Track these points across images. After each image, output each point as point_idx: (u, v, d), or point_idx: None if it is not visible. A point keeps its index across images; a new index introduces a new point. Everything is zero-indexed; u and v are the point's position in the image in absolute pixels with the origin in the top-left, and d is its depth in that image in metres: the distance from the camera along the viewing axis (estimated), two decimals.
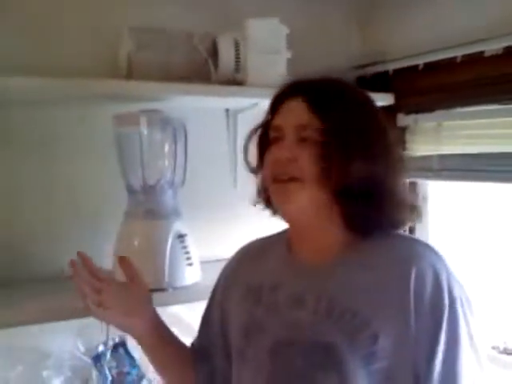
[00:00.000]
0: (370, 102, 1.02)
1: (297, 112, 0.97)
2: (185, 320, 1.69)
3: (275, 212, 1.08)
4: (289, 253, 1.05)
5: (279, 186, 0.97)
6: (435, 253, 0.95)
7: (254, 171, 1.09)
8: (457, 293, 0.91)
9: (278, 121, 1.01)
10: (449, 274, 0.92)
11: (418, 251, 0.95)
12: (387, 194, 0.94)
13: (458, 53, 1.53)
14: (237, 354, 1.06)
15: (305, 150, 0.94)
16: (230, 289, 1.14)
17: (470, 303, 0.92)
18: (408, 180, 1.01)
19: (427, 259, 0.92)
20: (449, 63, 1.56)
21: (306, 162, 0.94)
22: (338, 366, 0.90)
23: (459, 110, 1.57)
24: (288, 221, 1.05)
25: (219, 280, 1.20)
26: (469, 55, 1.51)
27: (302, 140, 0.95)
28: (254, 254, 1.16)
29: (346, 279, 0.95)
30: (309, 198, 0.95)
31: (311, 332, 0.94)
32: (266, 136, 1.03)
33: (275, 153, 0.98)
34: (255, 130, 1.07)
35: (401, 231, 1.02)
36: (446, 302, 0.89)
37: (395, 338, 0.89)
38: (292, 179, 0.95)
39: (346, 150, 0.92)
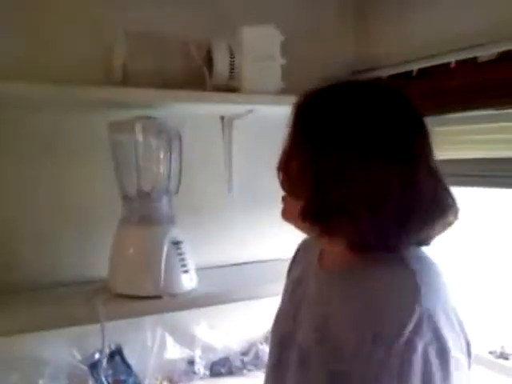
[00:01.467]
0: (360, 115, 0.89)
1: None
2: (181, 327, 1.70)
3: None
4: (318, 254, 1.05)
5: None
6: (414, 289, 0.82)
7: None
8: (419, 340, 0.79)
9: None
10: (421, 321, 0.79)
11: (397, 285, 0.85)
12: (391, 206, 0.86)
13: (452, 58, 1.53)
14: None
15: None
16: (286, 280, 1.16)
17: (440, 353, 0.80)
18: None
19: (401, 299, 0.82)
20: (442, 69, 1.56)
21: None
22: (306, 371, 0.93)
23: (453, 115, 1.58)
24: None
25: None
26: (462, 61, 1.51)
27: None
28: (306, 246, 1.16)
29: (334, 292, 0.94)
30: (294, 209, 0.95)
31: (304, 333, 0.96)
32: None
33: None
34: None
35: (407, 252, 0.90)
36: (402, 348, 0.79)
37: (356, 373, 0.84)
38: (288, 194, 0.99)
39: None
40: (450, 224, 0.91)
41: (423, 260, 0.91)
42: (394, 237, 0.87)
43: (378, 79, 1.17)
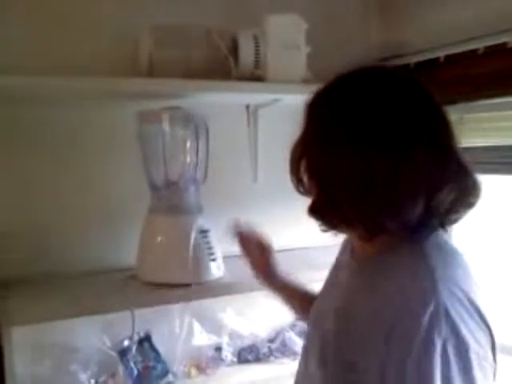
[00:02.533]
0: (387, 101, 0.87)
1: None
2: (208, 314, 1.71)
3: None
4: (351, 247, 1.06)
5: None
6: (432, 285, 0.81)
7: None
8: (437, 335, 0.78)
9: None
10: (437, 314, 0.79)
11: (413, 279, 0.84)
12: (407, 194, 0.84)
13: (480, 44, 1.51)
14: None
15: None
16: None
17: (458, 349, 0.79)
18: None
19: (417, 292, 0.82)
20: (470, 55, 1.54)
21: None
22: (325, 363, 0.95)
23: (482, 102, 1.55)
24: None
25: None
26: (491, 47, 1.49)
27: None
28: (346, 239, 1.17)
29: (354, 284, 0.96)
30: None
31: (328, 317, 0.98)
32: None
33: None
34: None
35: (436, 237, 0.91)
36: (420, 342, 0.78)
37: (369, 368, 0.85)
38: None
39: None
40: (470, 206, 0.89)
41: (443, 248, 0.90)
42: (411, 222, 0.86)
43: (385, 67, 1.15)
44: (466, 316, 0.80)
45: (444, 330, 0.78)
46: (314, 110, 0.93)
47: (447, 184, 0.86)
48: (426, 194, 0.85)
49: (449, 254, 0.89)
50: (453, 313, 0.79)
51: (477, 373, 0.79)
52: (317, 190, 0.92)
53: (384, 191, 0.84)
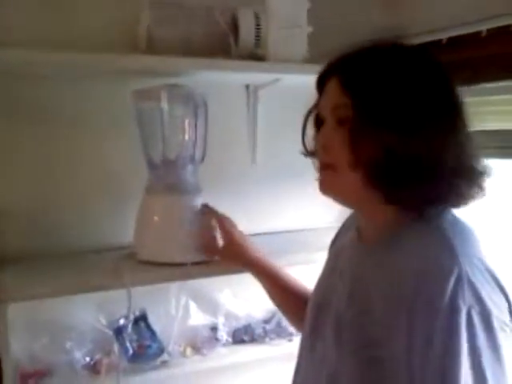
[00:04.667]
0: (419, 71, 0.92)
1: (331, 93, 0.95)
2: (204, 294, 1.72)
3: None
4: (356, 228, 1.06)
5: (319, 174, 0.98)
6: (453, 254, 0.83)
7: (310, 153, 1.05)
8: (462, 302, 0.79)
9: (320, 101, 0.99)
10: (460, 281, 0.80)
11: (433, 249, 0.86)
12: (432, 171, 0.87)
13: (483, 27, 1.49)
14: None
15: (339, 132, 0.91)
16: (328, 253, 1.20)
17: (482, 315, 0.80)
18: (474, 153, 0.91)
19: (438, 260, 0.83)
20: (473, 38, 1.52)
21: (337, 147, 0.91)
22: (340, 339, 0.95)
23: (484, 85, 1.54)
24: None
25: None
26: (494, 29, 1.47)
27: (339, 122, 0.93)
28: (347, 222, 1.19)
29: (370, 265, 0.96)
30: (343, 183, 0.93)
31: (338, 300, 0.99)
32: (318, 118, 1.02)
33: (315, 140, 0.99)
34: (309, 111, 1.05)
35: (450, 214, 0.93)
36: (446, 309, 0.79)
37: (393, 336, 0.85)
38: (326, 166, 0.94)
39: (372, 124, 0.87)
40: (480, 188, 0.91)
41: (457, 224, 0.92)
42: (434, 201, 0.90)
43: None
44: (485, 283, 0.83)
45: (468, 296, 0.80)
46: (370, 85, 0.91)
47: (465, 164, 0.90)
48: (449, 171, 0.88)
49: (463, 229, 0.91)
50: (474, 280, 0.81)
51: (501, 340, 0.81)
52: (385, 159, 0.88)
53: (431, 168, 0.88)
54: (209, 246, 1.42)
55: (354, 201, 0.97)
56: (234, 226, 1.41)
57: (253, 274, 1.36)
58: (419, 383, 0.81)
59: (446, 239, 0.86)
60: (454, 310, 0.79)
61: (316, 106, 1.02)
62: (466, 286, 0.80)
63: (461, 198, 0.91)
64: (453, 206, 0.92)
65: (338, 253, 1.11)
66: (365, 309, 0.91)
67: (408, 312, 0.82)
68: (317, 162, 0.98)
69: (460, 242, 0.85)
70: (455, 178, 0.88)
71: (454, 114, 0.92)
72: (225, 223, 1.40)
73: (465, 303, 0.79)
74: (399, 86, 0.89)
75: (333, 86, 0.94)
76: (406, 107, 0.87)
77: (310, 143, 1.05)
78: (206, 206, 1.43)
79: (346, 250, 1.06)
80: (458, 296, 0.79)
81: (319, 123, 0.99)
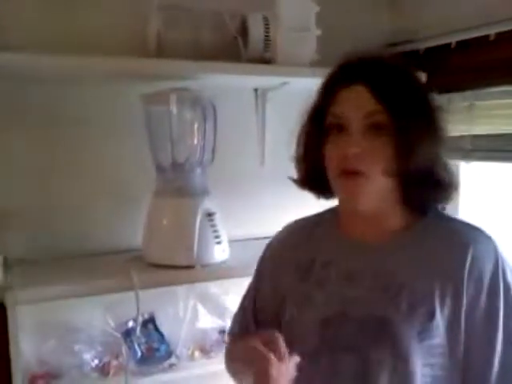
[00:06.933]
0: (421, 82, 1.05)
1: (361, 100, 0.95)
2: (212, 297, 1.72)
3: (327, 197, 1.08)
4: (340, 233, 1.06)
5: (347, 181, 0.97)
6: (489, 238, 0.96)
7: (303, 158, 1.06)
8: (510, 278, 0.93)
9: (340, 109, 0.97)
10: (503, 260, 0.94)
11: (474, 235, 0.97)
12: (441, 172, 0.97)
13: (492, 31, 1.49)
14: (286, 327, 1.05)
15: (371, 141, 0.93)
16: (279, 269, 1.13)
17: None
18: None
19: (483, 244, 0.95)
20: (482, 41, 1.52)
21: (373, 156, 0.94)
22: (392, 340, 0.92)
23: (492, 89, 1.54)
24: (355, 210, 1.02)
25: (263, 261, 1.18)
26: (502, 33, 1.47)
27: (371, 129, 0.94)
28: (299, 233, 1.16)
29: (405, 257, 0.97)
30: (376, 189, 0.96)
31: (366, 306, 0.96)
32: (320, 122, 1.00)
33: (343, 147, 0.96)
34: (310, 114, 1.04)
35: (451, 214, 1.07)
36: (501, 287, 0.92)
37: (449, 316, 0.91)
38: (358, 173, 0.95)
39: (413, 134, 0.93)
40: (456, 189, 1.00)
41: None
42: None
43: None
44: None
45: (510, 274, 0.93)
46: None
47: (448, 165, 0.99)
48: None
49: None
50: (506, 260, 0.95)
51: None
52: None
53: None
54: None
55: (376, 205, 0.98)
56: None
57: None
58: None
59: (476, 226, 0.99)
60: (507, 287, 0.92)
61: (320, 111, 1.01)
62: (506, 265, 0.94)
63: (449, 196, 1.00)
64: (441, 203, 1.03)
65: (325, 266, 1.05)
66: (410, 306, 0.93)
67: (462, 293, 0.91)
68: (338, 169, 0.97)
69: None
70: (447, 177, 0.97)
71: (440, 119, 0.99)
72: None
73: (510, 279, 0.93)
74: (417, 94, 0.97)
75: (360, 93, 0.94)
76: (426, 113, 0.96)
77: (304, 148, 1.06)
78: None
79: (342, 257, 1.03)
80: (507, 274, 0.93)
81: (332, 126, 0.98)
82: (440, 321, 0.91)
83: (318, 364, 0.99)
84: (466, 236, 0.97)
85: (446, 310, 0.91)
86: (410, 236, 0.99)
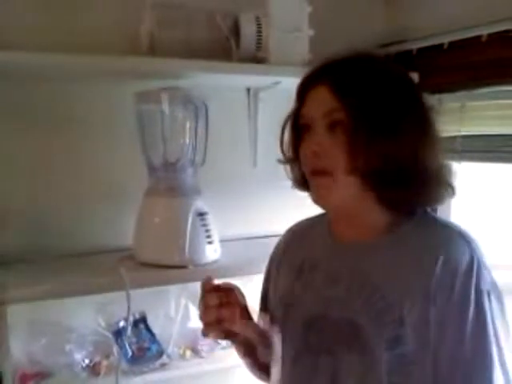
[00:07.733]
0: (402, 78, 0.99)
1: (321, 99, 0.95)
2: None
3: None
4: (329, 234, 1.06)
5: (314, 181, 0.98)
6: (467, 241, 0.93)
7: (289, 160, 1.07)
8: (484, 285, 0.89)
9: (306, 109, 0.99)
10: (479, 265, 0.90)
11: (448, 238, 0.94)
12: (421, 173, 0.93)
13: (484, 31, 1.49)
14: (279, 327, 1.07)
15: (332, 139, 0.93)
16: (279, 270, 1.15)
17: (498, 295, 0.91)
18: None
19: (457, 248, 0.91)
20: (474, 42, 1.53)
21: (333, 154, 0.93)
22: (362, 346, 0.92)
23: (484, 90, 1.54)
24: (327, 211, 1.06)
25: (272, 262, 1.20)
26: (494, 34, 1.47)
27: (331, 127, 0.94)
28: (298, 234, 1.18)
29: (381, 259, 0.96)
30: (341, 188, 0.95)
31: (341, 308, 0.96)
32: (297, 124, 1.02)
33: (306, 146, 0.98)
34: (288, 118, 1.05)
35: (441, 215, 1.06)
36: (472, 294, 0.88)
37: (419, 323, 0.89)
38: (323, 172, 0.95)
39: (369, 130, 0.90)
40: (451, 188, 0.98)
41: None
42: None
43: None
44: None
45: (486, 280, 0.90)
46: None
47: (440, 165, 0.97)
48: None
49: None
50: (487, 267, 0.92)
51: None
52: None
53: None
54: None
55: (349, 204, 0.98)
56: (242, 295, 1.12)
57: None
58: None
59: (459, 228, 0.96)
60: (478, 294, 0.89)
61: (295, 114, 1.03)
62: (482, 269, 0.90)
63: (439, 198, 0.99)
64: (430, 205, 1.01)
65: (313, 264, 1.06)
66: (387, 308, 0.91)
67: (431, 299, 0.89)
68: (309, 168, 0.98)
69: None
70: (434, 178, 0.95)
71: (428, 118, 0.97)
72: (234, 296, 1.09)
73: (485, 285, 0.90)
74: (386, 92, 0.94)
75: (322, 93, 0.95)
76: (394, 111, 0.93)
77: (287, 151, 1.06)
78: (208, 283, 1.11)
79: (326, 259, 1.04)
80: (481, 280, 0.89)
81: (300, 131, 1.00)
82: (409, 329, 0.89)
83: (302, 365, 1.00)
84: (439, 238, 0.94)
85: (416, 318, 0.89)
86: (390, 237, 0.97)
